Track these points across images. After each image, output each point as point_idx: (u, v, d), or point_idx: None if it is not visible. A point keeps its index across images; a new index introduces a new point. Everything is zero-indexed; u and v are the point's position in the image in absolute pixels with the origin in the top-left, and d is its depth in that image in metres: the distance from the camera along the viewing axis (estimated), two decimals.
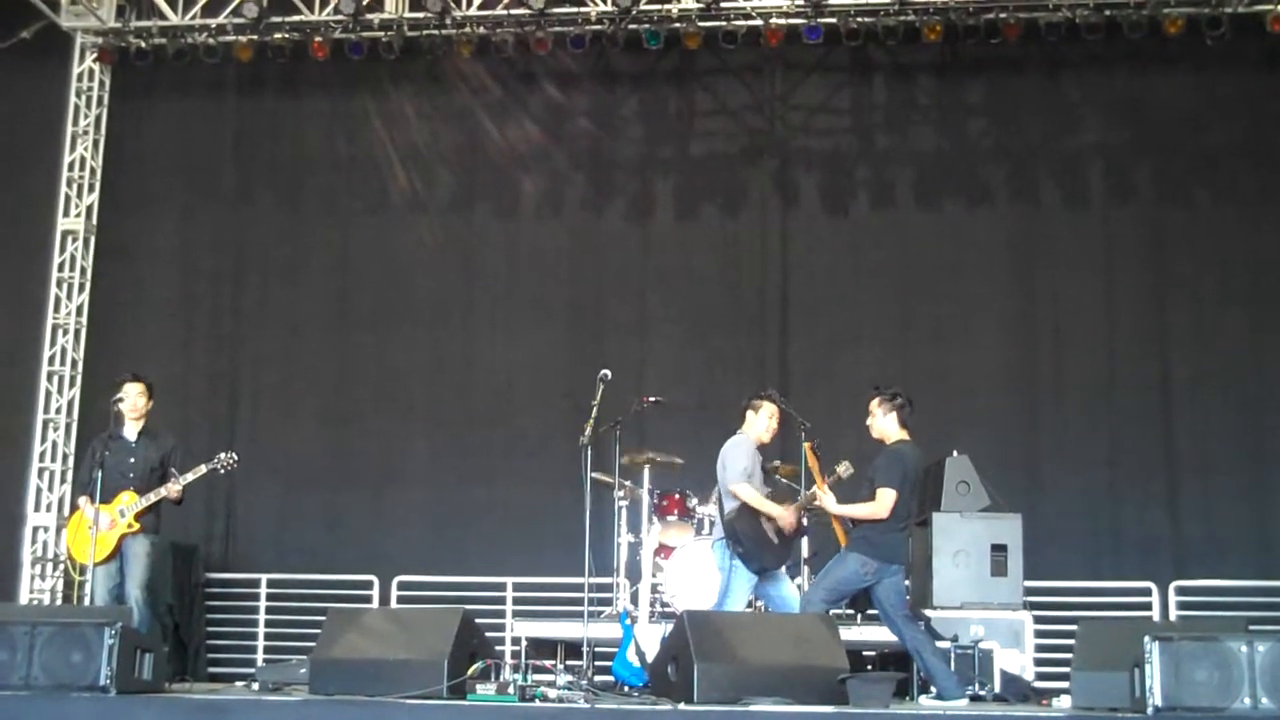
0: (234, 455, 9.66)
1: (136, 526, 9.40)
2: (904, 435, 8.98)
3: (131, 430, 9.67)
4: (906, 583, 10.88)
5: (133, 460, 9.55)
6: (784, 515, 9.20)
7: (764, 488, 9.42)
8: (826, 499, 9.06)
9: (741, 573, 9.23)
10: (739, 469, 9.28)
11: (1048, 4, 12.60)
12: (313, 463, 13.40)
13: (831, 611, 9.55)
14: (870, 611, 9.65)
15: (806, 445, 9.38)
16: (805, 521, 9.63)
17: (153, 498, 9.40)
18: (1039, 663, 10.14)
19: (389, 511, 13.15)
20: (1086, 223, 13.05)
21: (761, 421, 9.56)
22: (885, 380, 12.63)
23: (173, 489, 9.39)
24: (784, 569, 9.56)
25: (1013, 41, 12.82)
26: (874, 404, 9.06)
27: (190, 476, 9.44)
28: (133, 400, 9.60)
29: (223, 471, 9.71)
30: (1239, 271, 12.78)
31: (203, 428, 13.22)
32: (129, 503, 9.37)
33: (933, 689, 8.61)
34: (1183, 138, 13.00)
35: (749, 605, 9.69)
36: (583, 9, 13.05)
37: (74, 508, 9.89)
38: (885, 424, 9.00)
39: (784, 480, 10.10)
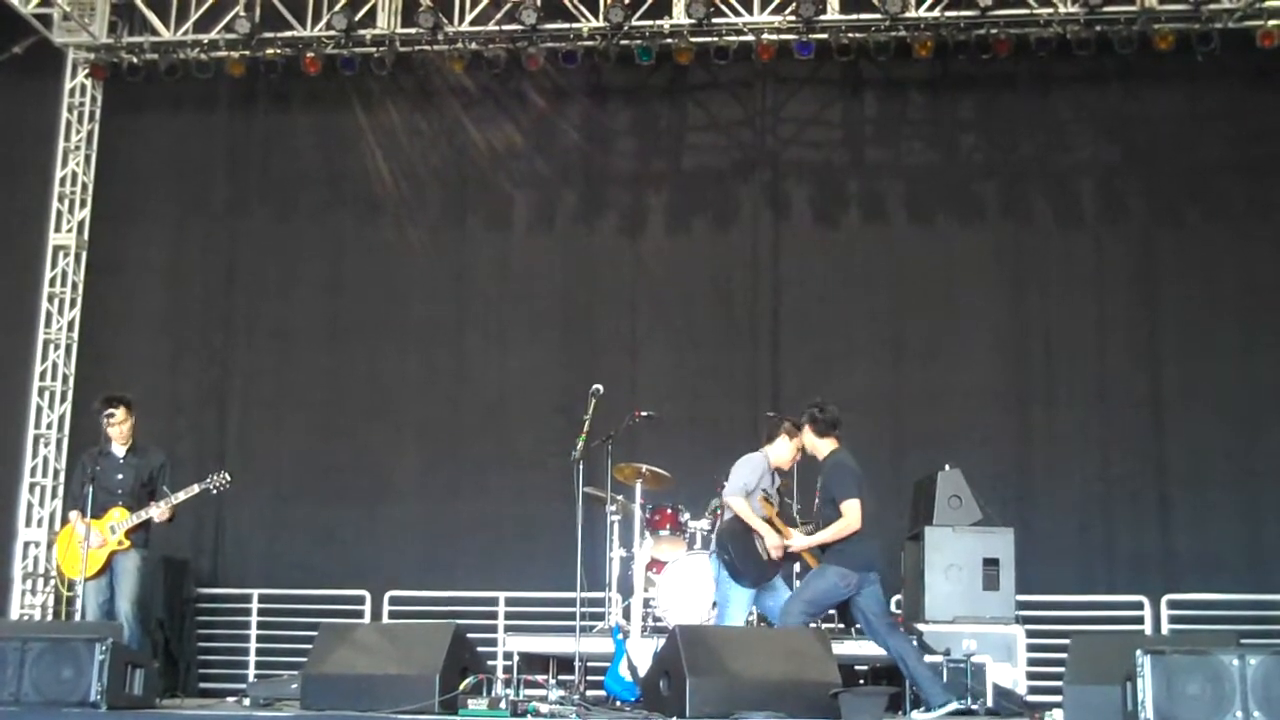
0: (227, 475, 9.61)
1: (126, 543, 9.37)
2: (833, 444, 8.99)
3: (120, 446, 9.64)
4: (899, 596, 10.95)
5: (120, 476, 9.52)
6: (771, 538, 9.14)
7: (766, 508, 9.32)
8: (796, 540, 9.05)
9: (736, 585, 9.22)
10: (739, 484, 9.29)
11: (1038, 20, 12.64)
12: (304, 477, 13.39)
13: (825, 625, 9.57)
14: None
15: (760, 499, 9.30)
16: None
17: (143, 515, 9.37)
18: (1031, 676, 10.13)
19: (381, 526, 13.12)
20: (1077, 237, 13.07)
21: (785, 448, 9.51)
22: (878, 394, 12.82)
23: (162, 510, 9.34)
24: (780, 581, 9.52)
25: (1003, 57, 12.87)
26: (802, 433, 9.12)
27: (182, 496, 9.41)
28: (116, 425, 9.56)
29: (215, 491, 9.65)
30: (1230, 286, 12.79)
31: (194, 442, 13.22)
32: (119, 519, 9.35)
33: (924, 704, 8.60)
34: (1173, 153, 13.03)
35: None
36: (574, 25, 13.07)
37: (64, 523, 9.86)
38: (810, 442, 9.04)
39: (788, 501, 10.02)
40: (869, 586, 8.73)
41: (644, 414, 10.50)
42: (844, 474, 8.81)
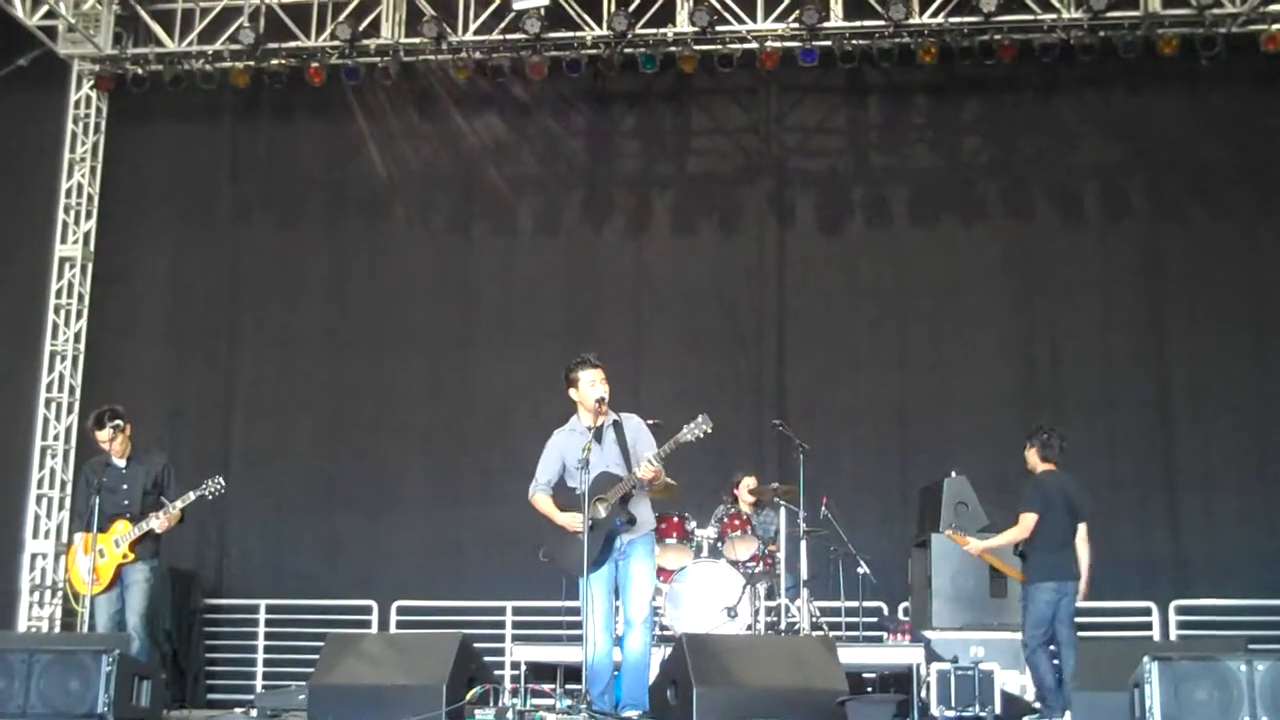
0: (221, 480, 9.50)
1: (131, 556, 9.31)
2: (1049, 466, 9.43)
3: (120, 459, 9.58)
4: (906, 604, 10.94)
5: (125, 487, 9.43)
6: (566, 522, 8.46)
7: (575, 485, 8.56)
8: (973, 544, 9.71)
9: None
10: (533, 481, 8.70)
11: (1042, 25, 12.63)
12: (309, 487, 13.39)
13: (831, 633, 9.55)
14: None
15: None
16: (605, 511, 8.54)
17: (144, 527, 9.30)
18: None
19: (387, 536, 13.10)
20: (1083, 241, 13.07)
21: (581, 395, 8.66)
22: (883, 400, 12.80)
23: (162, 521, 9.28)
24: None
25: (1008, 62, 12.85)
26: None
27: (179, 504, 9.35)
28: (115, 439, 9.52)
29: (210, 496, 9.53)
30: (1236, 289, 12.79)
31: (199, 452, 13.18)
32: (123, 532, 9.29)
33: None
34: (1177, 156, 13.03)
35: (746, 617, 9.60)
36: (578, 33, 13.07)
37: (71, 543, 9.78)
38: (1030, 458, 9.52)
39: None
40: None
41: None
42: (1033, 492, 9.34)
